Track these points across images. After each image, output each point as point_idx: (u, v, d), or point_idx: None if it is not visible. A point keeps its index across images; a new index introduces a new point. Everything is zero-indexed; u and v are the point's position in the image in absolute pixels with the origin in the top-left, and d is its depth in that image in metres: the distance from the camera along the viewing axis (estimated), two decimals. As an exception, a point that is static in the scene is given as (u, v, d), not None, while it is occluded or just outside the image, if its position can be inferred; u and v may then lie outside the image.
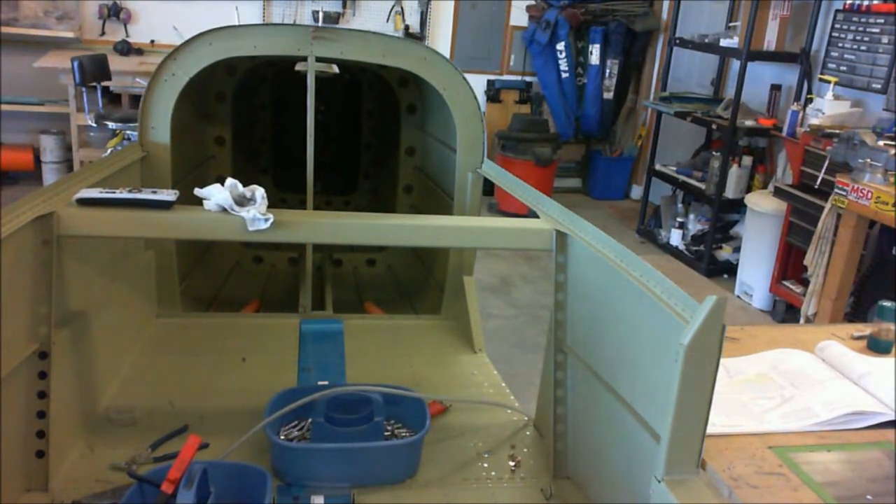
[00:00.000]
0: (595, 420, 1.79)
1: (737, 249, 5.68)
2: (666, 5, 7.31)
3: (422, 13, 7.12)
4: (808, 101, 5.06)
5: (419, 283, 3.47)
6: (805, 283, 4.68)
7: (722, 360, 1.29)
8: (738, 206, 5.71)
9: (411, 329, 2.84)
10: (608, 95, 7.38)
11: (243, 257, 3.77)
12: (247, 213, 1.78)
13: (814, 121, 4.80)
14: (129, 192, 1.83)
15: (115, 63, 5.93)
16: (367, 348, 2.62)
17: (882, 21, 4.66)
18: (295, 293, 3.22)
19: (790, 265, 4.99)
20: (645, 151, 7.38)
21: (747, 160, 5.69)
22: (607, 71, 7.30)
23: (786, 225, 4.92)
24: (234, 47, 2.49)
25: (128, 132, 5.56)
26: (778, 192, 4.93)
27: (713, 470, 1.53)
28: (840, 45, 4.98)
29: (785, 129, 5.10)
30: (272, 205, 1.84)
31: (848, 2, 4.93)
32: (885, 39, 4.65)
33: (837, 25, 4.99)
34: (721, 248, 5.88)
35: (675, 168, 6.34)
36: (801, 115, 4.98)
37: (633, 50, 7.38)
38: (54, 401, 1.71)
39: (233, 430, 1.83)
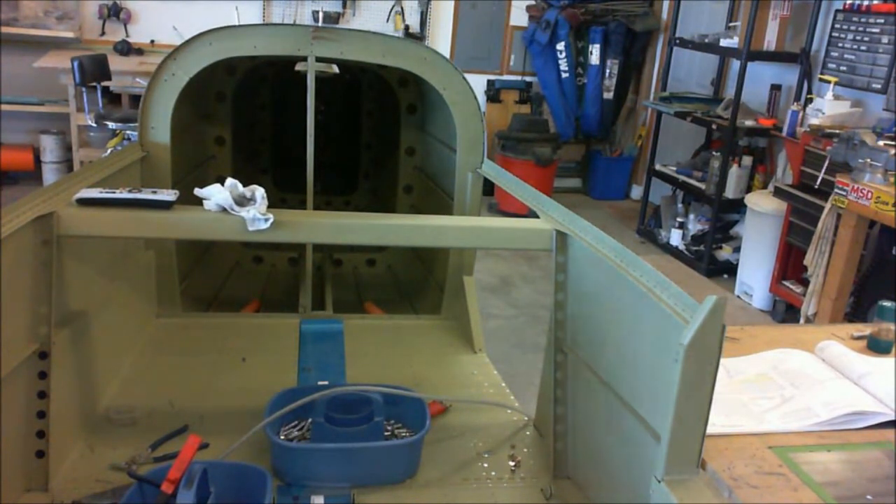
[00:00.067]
0: (595, 420, 1.79)
1: (737, 249, 5.68)
2: (666, 5, 7.31)
3: (422, 13, 7.12)
4: (808, 101, 5.06)
5: (419, 283, 3.47)
6: (805, 283, 4.68)
7: (722, 360, 1.29)
8: (738, 206, 5.71)
9: (411, 329, 2.84)
10: (608, 95, 7.39)
11: (243, 257, 3.77)
12: (247, 213, 1.78)
13: (814, 121, 4.80)
14: (129, 192, 1.83)
15: (115, 63, 5.93)
16: (367, 348, 2.62)
17: (882, 21, 4.66)
18: (295, 293, 3.22)
19: (790, 265, 4.99)
20: (645, 151, 7.38)
21: (747, 160, 5.69)
22: (607, 71, 7.30)
23: (786, 225, 4.92)
24: (234, 47, 2.49)
25: (128, 132, 5.56)
26: (778, 192, 4.93)
27: (713, 470, 1.53)
28: (840, 45, 4.98)
29: (785, 129, 5.10)
30: (272, 205, 1.84)
31: (848, 2, 4.93)
32: (885, 39, 4.64)
33: (837, 25, 4.99)
34: (721, 248, 5.88)
35: (675, 168, 6.34)
36: (801, 115, 4.98)
37: (633, 50, 7.38)
38: (54, 401, 1.71)
39: (233, 430, 1.82)
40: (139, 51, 6.54)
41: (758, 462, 1.57)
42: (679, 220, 6.21)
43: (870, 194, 3.88)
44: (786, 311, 5.04)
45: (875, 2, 4.74)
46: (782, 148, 5.45)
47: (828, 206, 4.27)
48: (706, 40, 5.96)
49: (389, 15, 7.06)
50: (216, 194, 1.81)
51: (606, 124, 7.56)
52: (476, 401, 2.28)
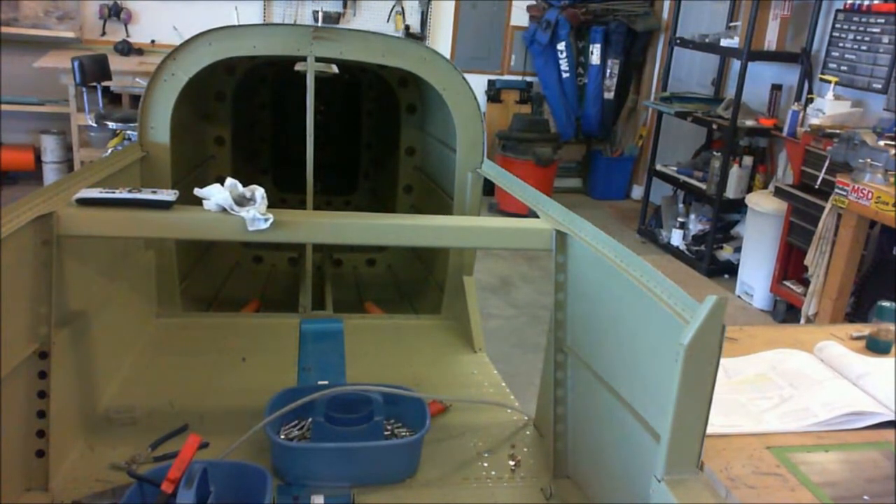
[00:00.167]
0: (595, 420, 1.79)
1: (737, 249, 5.68)
2: (666, 5, 7.31)
3: (422, 13, 7.12)
4: (809, 101, 5.06)
5: (419, 283, 3.47)
6: (805, 283, 4.68)
7: (721, 360, 1.29)
8: (739, 206, 5.71)
9: (411, 329, 2.84)
10: (609, 95, 7.38)
11: (243, 257, 3.77)
12: (247, 213, 1.79)
13: (814, 121, 4.80)
14: (129, 192, 1.83)
15: (116, 63, 5.93)
16: (366, 348, 2.62)
17: (882, 21, 4.66)
18: (295, 293, 3.22)
19: (791, 265, 4.99)
20: (645, 151, 7.38)
21: (748, 160, 5.69)
22: (608, 71, 7.30)
23: (786, 225, 4.92)
24: (233, 47, 2.49)
25: (128, 132, 5.56)
26: (778, 192, 4.94)
27: (710, 470, 1.52)
28: (840, 44, 4.98)
29: (785, 129, 5.10)
30: (272, 205, 1.84)
31: (848, 2, 4.93)
32: (885, 39, 4.65)
33: (838, 25, 4.99)
34: (722, 248, 5.88)
35: (675, 168, 6.34)
36: (801, 115, 4.98)
37: (634, 50, 7.38)
38: (54, 400, 1.71)
39: (233, 430, 1.83)
40: (139, 51, 6.54)
41: (755, 462, 1.57)
42: (680, 220, 6.21)
43: (870, 194, 3.88)
44: (786, 312, 5.04)
45: (875, 2, 4.74)
46: (783, 148, 5.45)
47: (828, 206, 4.27)
48: (707, 40, 5.96)
49: (390, 15, 7.06)
50: (216, 194, 1.81)
51: (607, 124, 7.55)
52: (476, 400, 2.29)
